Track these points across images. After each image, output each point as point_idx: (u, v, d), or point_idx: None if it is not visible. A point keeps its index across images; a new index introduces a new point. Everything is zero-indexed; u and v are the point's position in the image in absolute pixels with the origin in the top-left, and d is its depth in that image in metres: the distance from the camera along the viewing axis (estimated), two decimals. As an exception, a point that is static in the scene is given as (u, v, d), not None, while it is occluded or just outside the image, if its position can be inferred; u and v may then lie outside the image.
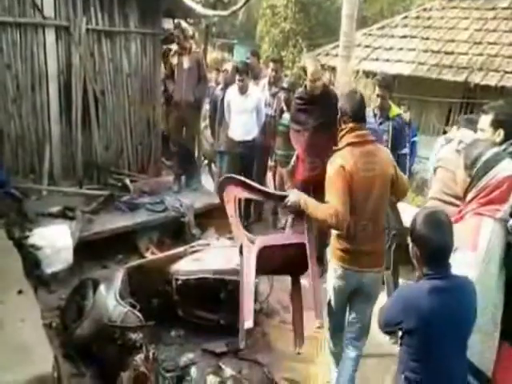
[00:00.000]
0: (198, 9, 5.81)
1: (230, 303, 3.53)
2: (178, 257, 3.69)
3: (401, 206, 3.92)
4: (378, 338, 3.14)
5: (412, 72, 7.73)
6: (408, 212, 3.57)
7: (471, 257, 2.15)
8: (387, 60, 8.28)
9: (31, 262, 3.75)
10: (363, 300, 2.86)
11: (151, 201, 5.12)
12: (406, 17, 9.42)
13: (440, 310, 1.89)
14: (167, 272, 3.54)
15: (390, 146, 4.00)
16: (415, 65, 7.90)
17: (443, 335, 1.92)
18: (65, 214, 4.46)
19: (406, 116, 5.16)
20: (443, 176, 3.60)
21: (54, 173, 5.28)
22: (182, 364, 3.17)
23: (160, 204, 5.08)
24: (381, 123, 4.27)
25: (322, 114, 4.27)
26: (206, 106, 6.18)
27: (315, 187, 3.72)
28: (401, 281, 3.93)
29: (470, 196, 2.29)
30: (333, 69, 7.96)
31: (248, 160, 5.41)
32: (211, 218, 5.44)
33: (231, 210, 3.04)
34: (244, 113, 5.27)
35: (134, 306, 3.04)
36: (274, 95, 5.47)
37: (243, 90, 5.22)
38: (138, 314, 2.97)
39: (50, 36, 5.02)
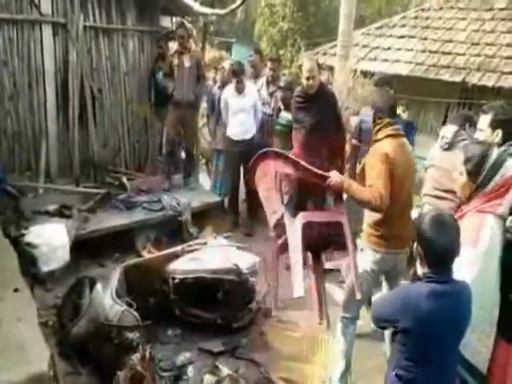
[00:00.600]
0: (196, 7, 5.79)
1: (227, 302, 3.53)
2: (175, 256, 3.68)
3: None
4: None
5: (410, 72, 7.73)
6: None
7: (472, 253, 2.15)
8: (385, 60, 8.27)
9: (27, 260, 3.73)
10: (393, 277, 3.18)
11: (148, 199, 5.12)
12: (404, 17, 9.42)
13: (437, 313, 1.89)
14: (164, 271, 3.53)
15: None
16: (413, 65, 7.89)
17: (439, 338, 1.93)
18: (61, 212, 4.45)
19: (405, 116, 5.17)
20: (434, 174, 3.70)
21: (51, 170, 5.26)
22: (178, 363, 3.16)
23: (157, 203, 5.08)
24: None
25: (318, 112, 4.27)
26: (204, 105, 6.16)
27: (311, 186, 3.74)
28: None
29: (475, 199, 2.28)
30: (331, 68, 7.94)
31: (246, 159, 5.39)
32: (208, 216, 5.44)
33: (270, 182, 3.22)
34: (242, 112, 5.26)
35: (130, 305, 3.03)
36: (271, 94, 5.46)
37: (240, 91, 5.24)
38: (135, 313, 2.97)
39: (47, 33, 5.00)
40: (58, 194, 4.95)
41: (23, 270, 3.15)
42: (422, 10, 9.42)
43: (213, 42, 13.13)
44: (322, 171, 4.47)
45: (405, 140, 3.02)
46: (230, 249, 3.92)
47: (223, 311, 3.52)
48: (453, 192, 2.59)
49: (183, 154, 6.06)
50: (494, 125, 2.78)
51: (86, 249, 4.32)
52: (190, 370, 3.11)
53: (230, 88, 5.35)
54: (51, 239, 3.95)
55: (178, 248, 3.77)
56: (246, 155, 5.34)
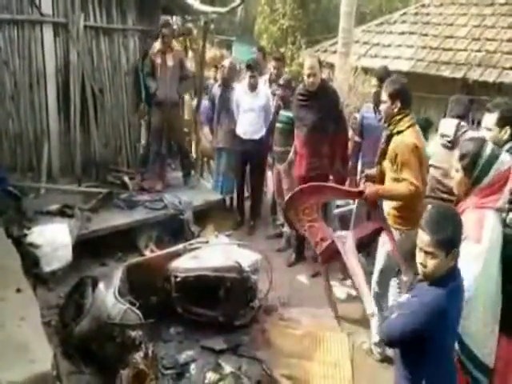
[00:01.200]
0: (196, 5, 5.79)
1: (229, 300, 3.54)
2: (177, 254, 3.68)
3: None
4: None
5: (410, 68, 7.71)
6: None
7: (476, 249, 2.16)
8: (386, 56, 8.25)
9: (30, 260, 3.74)
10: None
11: (150, 198, 5.12)
12: (404, 13, 9.39)
13: (452, 311, 1.92)
14: (166, 269, 3.53)
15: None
16: (414, 61, 7.87)
17: (454, 328, 1.99)
18: (63, 212, 4.45)
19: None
20: (434, 174, 3.64)
21: (53, 170, 5.27)
22: (181, 361, 3.16)
23: (159, 202, 5.08)
24: (380, 119, 4.25)
25: (320, 109, 4.27)
26: (205, 103, 6.16)
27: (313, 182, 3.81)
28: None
29: (471, 195, 2.29)
30: (331, 65, 7.93)
31: (251, 158, 5.40)
32: (210, 215, 5.45)
33: (312, 214, 3.54)
34: (253, 111, 5.20)
35: (133, 304, 3.03)
36: (273, 93, 5.44)
37: (253, 87, 5.18)
38: (137, 311, 2.97)
39: (48, 33, 5.01)
40: (59, 194, 4.95)
41: (26, 270, 3.16)
42: (423, 6, 9.39)
43: (213, 40, 13.10)
44: (325, 169, 4.58)
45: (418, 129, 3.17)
46: (232, 247, 3.92)
47: (225, 309, 3.52)
48: (453, 193, 2.54)
49: (177, 154, 5.98)
50: (502, 123, 2.78)
51: (88, 248, 4.34)
52: (193, 368, 3.11)
53: (243, 85, 5.30)
54: (53, 239, 3.95)
55: (180, 246, 3.78)
56: (252, 155, 5.35)
